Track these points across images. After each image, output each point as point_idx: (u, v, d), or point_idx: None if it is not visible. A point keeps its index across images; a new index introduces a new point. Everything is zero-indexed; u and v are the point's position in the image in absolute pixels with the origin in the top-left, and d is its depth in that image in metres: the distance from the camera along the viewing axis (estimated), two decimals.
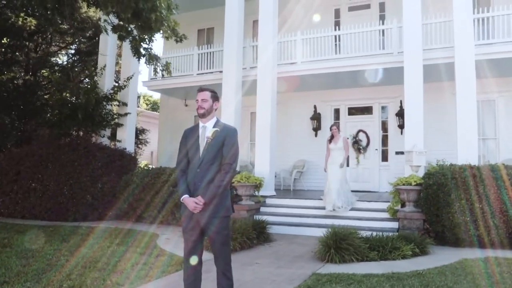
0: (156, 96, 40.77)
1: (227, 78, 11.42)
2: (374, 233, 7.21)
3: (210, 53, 13.54)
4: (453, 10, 9.43)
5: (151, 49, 9.32)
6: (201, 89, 3.80)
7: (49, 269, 5.45)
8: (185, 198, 3.57)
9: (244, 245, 7.02)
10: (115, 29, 9.25)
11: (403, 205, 8.53)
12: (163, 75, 9.91)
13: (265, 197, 10.34)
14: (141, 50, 9.16)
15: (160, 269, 5.63)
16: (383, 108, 13.25)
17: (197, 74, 13.24)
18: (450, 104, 11.54)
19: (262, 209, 10.03)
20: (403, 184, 8.20)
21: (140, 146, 14.88)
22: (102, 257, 6.23)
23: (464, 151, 8.89)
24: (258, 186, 9.90)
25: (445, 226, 7.45)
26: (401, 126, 12.56)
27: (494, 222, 7.13)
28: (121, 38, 9.32)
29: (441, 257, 6.50)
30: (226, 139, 3.64)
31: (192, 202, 3.51)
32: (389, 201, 9.31)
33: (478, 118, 9.41)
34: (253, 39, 12.87)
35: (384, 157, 13.09)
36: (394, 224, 8.39)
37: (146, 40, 8.21)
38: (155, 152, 19.39)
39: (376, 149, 13.08)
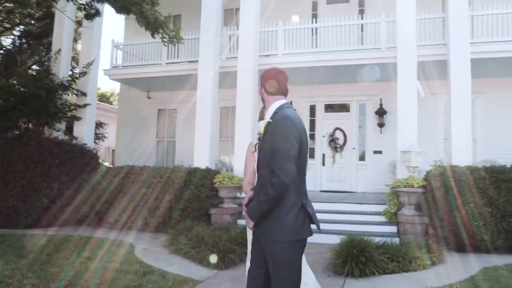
0: (104, 88, 38.42)
1: (203, 69, 10.39)
2: (378, 239, 6.61)
3: None
4: (448, 7, 9.06)
5: (159, 13, 7.87)
6: None
7: None
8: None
9: (244, 256, 6.11)
10: (80, 8, 7.94)
11: (399, 208, 8.03)
12: (174, 43, 8.39)
13: None
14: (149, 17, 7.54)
15: None
16: (361, 105, 12.80)
17: (166, 63, 12.06)
18: (431, 104, 11.41)
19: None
20: (404, 186, 7.67)
21: (96, 141, 13.42)
22: (77, 278, 5.08)
23: (458, 152, 8.57)
24: (241, 187, 9.02)
25: (452, 231, 7.02)
26: (381, 125, 12.21)
27: (503, 226, 6.78)
28: (88, 17, 8.01)
29: (459, 266, 6.05)
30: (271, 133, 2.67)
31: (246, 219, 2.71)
32: (378, 203, 8.86)
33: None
34: (227, 28, 11.92)
35: (361, 156, 12.66)
36: (393, 228, 7.88)
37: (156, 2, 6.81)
38: (112, 148, 17.89)
39: (354, 148, 12.61)
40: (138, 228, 8.63)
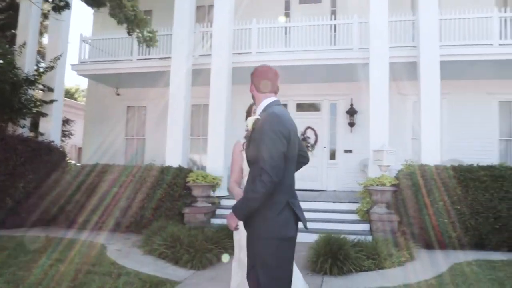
0: (68, 84, 37.27)
1: (176, 66, 10.18)
2: (353, 237, 6.71)
3: None
4: (419, 10, 9.29)
5: (137, 7, 7.59)
6: None
7: None
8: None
9: (220, 256, 6.05)
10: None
11: (371, 207, 8.18)
12: (148, 45, 8.19)
13: (220, 197, 9.42)
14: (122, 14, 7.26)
15: None
16: (332, 105, 12.96)
17: (137, 59, 11.79)
18: (400, 104, 11.73)
19: (218, 211, 9.10)
20: (377, 185, 7.83)
21: (63, 138, 12.95)
22: (48, 281, 4.88)
23: (427, 152, 8.82)
24: (215, 186, 8.95)
25: (422, 228, 7.23)
26: (351, 124, 12.43)
27: (470, 223, 7.03)
28: (57, 10, 7.70)
29: (431, 262, 6.24)
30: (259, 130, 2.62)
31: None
32: (350, 202, 9.00)
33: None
34: (200, 25, 11.78)
35: (332, 155, 12.84)
36: (365, 226, 8.03)
37: None
38: (78, 146, 17.38)
39: (325, 147, 12.76)
40: (109, 229, 8.39)
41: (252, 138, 2.67)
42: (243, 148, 3.32)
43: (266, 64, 2.98)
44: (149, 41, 8.02)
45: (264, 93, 2.83)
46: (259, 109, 2.79)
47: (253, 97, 2.92)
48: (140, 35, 7.85)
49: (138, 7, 7.79)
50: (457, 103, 11.78)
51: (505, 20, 10.03)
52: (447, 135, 11.82)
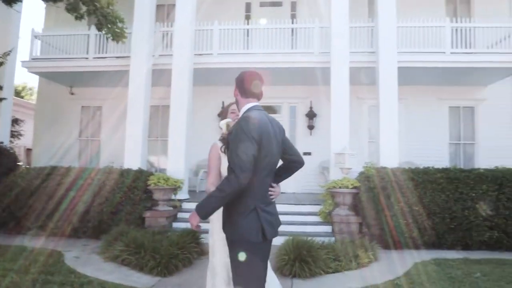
0: (15, 81, 35.34)
1: (136, 66, 9.88)
2: (318, 239, 6.79)
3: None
4: (378, 17, 9.59)
5: (112, 6, 7.21)
6: None
7: None
8: None
9: (186, 262, 5.93)
10: None
11: (333, 209, 8.33)
12: (117, 41, 7.86)
13: (182, 201, 9.25)
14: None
15: None
16: (292, 108, 13.10)
17: (94, 58, 11.33)
18: (357, 108, 12.05)
19: (180, 214, 8.93)
20: (339, 187, 7.98)
21: (11, 139, 12.18)
22: None
23: (386, 156, 9.08)
24: (176, 189, 8.78)
25: (383, 229, 7.44)
26: (311, 127, 12.61)
27: (428, 224, 7.32)
28: (8, 2, 7.24)
29: (393, 262, 6.44)
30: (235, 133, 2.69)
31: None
32: (312, 204, 9.12)
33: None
34: (161, 24, 11.52)
35: None
36: (328, 228, 8.15)
37: None
38: (27, 147, 16.47)
39: None
40: (65, 235, 7.99)
41: (230, 141, 2.72)
42: (222, 151, 3.27)
43: (253, 69, 3.01)
44: (118, 37, 7.73)
45: (247, 98, 2.87)
46: (240, 113, 2.84)
47: (236, 101, 2.96)
48: (110, 31, 7.53)
49: (114, 5, 7.48)
50: (413, 108, 12.28)
51: (456, 30, 10.59)
52: (404, 138, 12.27)
